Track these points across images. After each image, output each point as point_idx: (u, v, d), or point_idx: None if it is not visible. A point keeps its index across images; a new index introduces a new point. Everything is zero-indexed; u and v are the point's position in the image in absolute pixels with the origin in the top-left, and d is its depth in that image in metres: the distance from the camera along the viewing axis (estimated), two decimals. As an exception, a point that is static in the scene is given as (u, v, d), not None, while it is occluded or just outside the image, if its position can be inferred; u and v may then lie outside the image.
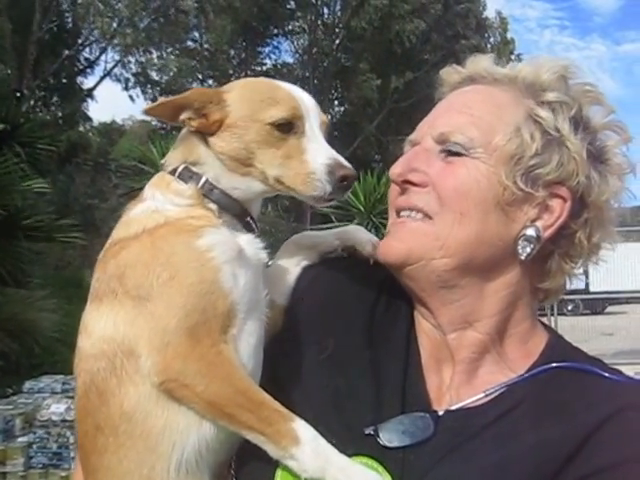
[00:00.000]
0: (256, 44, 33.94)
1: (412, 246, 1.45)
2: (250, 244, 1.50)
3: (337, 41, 33.09)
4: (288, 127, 1.47)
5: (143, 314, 1.36)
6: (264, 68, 34.39)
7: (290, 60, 35.85)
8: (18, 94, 22.03)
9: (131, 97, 33.66)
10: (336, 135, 34.69)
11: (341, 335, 1.51)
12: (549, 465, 1.31)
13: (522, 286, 1.50)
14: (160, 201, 1.49)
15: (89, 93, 31.30)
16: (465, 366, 1.48)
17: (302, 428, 1.31)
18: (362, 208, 13.62)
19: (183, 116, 1.50)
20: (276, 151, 1.47)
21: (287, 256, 1.63)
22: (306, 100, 1.53)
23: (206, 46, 33.16)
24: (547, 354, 1.49)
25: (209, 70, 32.81)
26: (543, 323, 1.59)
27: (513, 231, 1.44)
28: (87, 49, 31.65)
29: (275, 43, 35.03)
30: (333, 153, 1.47)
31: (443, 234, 1.43)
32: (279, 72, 34.08)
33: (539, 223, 1.44)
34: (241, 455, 1.44)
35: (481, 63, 1.57)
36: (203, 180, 1.50)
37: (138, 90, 33.97)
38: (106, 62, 32.36)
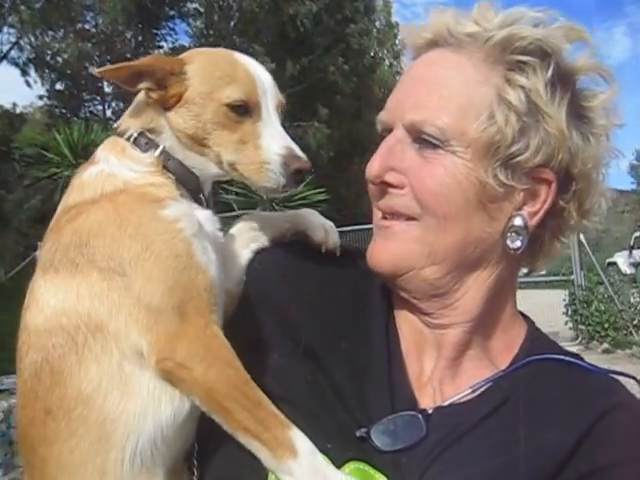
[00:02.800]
0: (152, 26, 33.67)
1: (401, 255, 1.39)
2: (208, 221, 1.44)
3: (232, 23, 33.16)
4: (244, 109, 1.44)
5: (116, 288, 1.27)
6: (161, 51, 33.83)
7: (187, 43, 35.44)
8: None
9: (27, 82, 32.40)
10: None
11: (310, 327, 1.41)
12: (547, 467, 1.29)
13: (509, 273, 1.46)
14: (115, 165, 1.42)
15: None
16: (449, 362, 1.43)
17: (300, 439, 1.23)
18: (264, 196, 14.05)
19: (142, 85, 1.45)
20: (231, 134, 1.44)
21: (235, 238, 1.53)
22: (264, 78, 1.49)
23: (102, 27, 32.63)
24: (527, 346, 1.46)
25: (106, 54, 32.31)
26: (522, 313, 1.55)
27: (499, 225, 1.38)
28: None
29: (171, 25, 34.67)
30: (288, 142, 1.45)
31: (429, 240, 1.37)
32: (177, 56, 33.94)
33: (525, 211, 1.38)
34: (215, 458, 1.35)
35: (443, 21, 1.44)
36: (160, 149, 1.45)
37: (35, 75, 32.56)
38: (1, 44, 31.31)
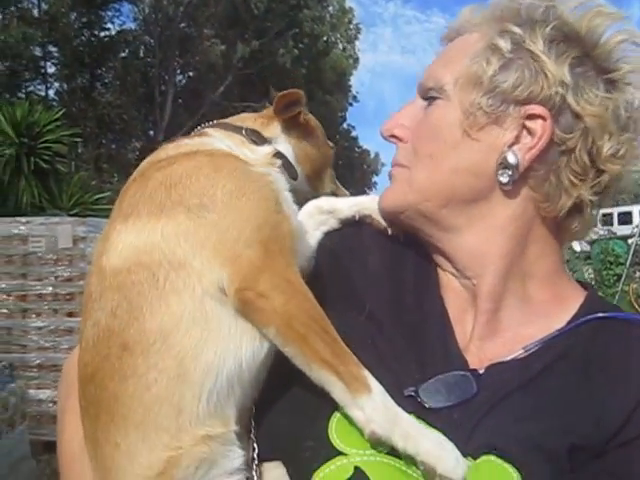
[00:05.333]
0: (98, 8, 33.12)
1: (396, 195, 1.48)
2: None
3: (182, 8, 32.89)
4: None
5: (204, 225, 1.27)
6: (108, 33, 33.96)
7: (134, 26, 35.32)
8: None
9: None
10: (180, 103, 34.91)
11: (374, 300, 1.45)
12: (605, 430, 1.21)
13: (528, 217, 1.41)
14: (228, 146, 1.48)
15: None
16: (488, 316, 1.40)
17: (372, 379, 1.21)
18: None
19: (300, 109, 1.64)
20: (330, 171, 1.78)
21: (306, 218, 1.59)
22: None
23: (45, 8, 32.01)
24: (588, 306, 1.40)
25: (49, 36, 31.85)
26: (580, 281, 1.52)
27: (492, 160, 1.37)
28: None
29: (117, 6, 34.07)
30: None
31: (418, 179, 1.43)
32: (124, 39, 33.76)
33: (517, 147, 1.36)
34: (271, 412, 1.34)
35: (463, 15, 1.52)
36: (275, 147, 1.57)
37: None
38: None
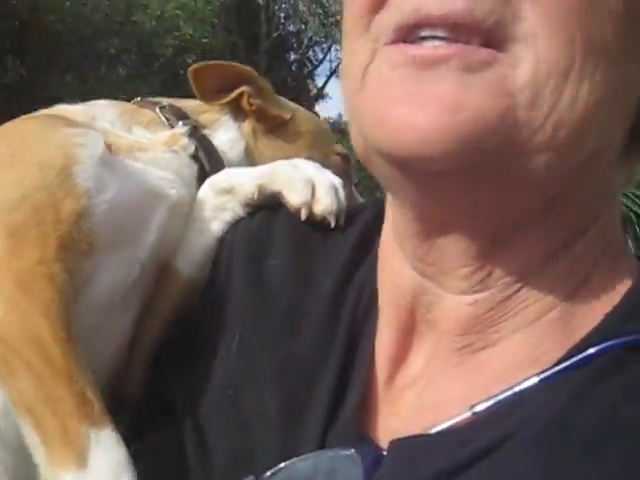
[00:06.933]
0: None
1: (486, 116, 0.59)
2: (163, 173, 1.08)
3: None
4: None
5: None
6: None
7: None
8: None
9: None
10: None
11: (253, 327, 0.92)
12: None
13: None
14: (110, 121, 1.13)
15: (319, 92, 32.97)
16: (461, 356, 0.72)
17: (106, 446, 0.78)
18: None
19: (243, 88, 1.29)
20: None
21: (203, 205, 1.08)
22: None
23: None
24: (619, 318, 0.68)
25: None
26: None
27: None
28: (311, 51, 33.45)
29: None
30: None
31: (545, 91, 0.60)
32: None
33: None
34: None
35: None
36: (190, 127, 1.20)
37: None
38: (330, 61, 33.97)
